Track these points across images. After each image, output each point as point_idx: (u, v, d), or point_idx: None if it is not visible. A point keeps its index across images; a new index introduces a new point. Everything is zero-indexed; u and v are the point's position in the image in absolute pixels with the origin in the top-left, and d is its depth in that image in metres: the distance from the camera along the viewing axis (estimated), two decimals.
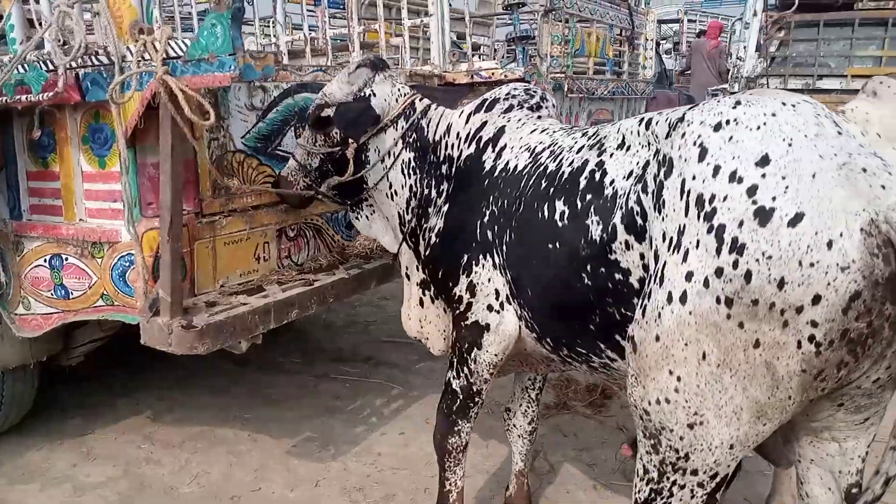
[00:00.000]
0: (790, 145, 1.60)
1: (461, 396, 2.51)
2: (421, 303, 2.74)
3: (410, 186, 2.62)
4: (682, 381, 1.66)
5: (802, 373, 1.57)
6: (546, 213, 2.10)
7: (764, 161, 1.59)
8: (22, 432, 3.56)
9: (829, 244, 1.48)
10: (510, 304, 2.33)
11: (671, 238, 1.68)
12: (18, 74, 2.69)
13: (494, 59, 5.28)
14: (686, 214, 1.65)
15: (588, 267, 1.97)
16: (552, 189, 2.12)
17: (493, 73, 4.75)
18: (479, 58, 5.25)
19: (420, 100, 2.65)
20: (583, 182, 2.03)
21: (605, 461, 3.36)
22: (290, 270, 3.26)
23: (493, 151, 2.44)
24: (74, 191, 2.84)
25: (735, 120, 1.68)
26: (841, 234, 1.48)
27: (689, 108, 1.86)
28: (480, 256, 2.36)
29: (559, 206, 2.07)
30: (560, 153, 2.21)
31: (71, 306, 2.89)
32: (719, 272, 1.57)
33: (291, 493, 3.15)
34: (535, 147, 2.34)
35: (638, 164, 1.91)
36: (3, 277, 2.97)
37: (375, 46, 4.89)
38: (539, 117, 2.52)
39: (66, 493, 3.14)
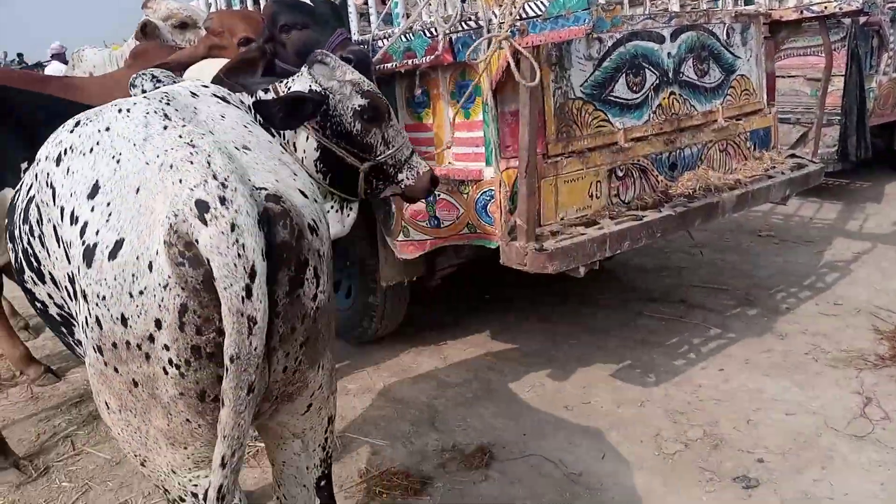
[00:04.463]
0: (118, 161, 1.50)
1: None
2: None
3: None
4: (112, 429, 1.65)
5: (182, 396, 1.48)
6: None
7: (94, 190, 1.49)
8: (395, 339, 4.38)
9: (150, 266, 1.39)
10: None
11: (66, 287, 1.61)
12: (406, 42, 3.30)
13: None
14: (69, 262, 1.55)
15: None
16: None
17: (825, 7, 4.49)
18: None
19: None
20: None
21: None
22: (619, 207, 3.56)
23: None
24: (444, 139, 3.42)
25: (71, 147, 1.59)
26: (157, 252, 1.38)
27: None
28: None
29: None
30: None
31: (441, 234, 3.51)
32: (86, 322, 1.50)
33: (619, 409, 3.49)
34: None
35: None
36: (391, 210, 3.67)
37: None
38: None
39: (432, 387, 3.84)
